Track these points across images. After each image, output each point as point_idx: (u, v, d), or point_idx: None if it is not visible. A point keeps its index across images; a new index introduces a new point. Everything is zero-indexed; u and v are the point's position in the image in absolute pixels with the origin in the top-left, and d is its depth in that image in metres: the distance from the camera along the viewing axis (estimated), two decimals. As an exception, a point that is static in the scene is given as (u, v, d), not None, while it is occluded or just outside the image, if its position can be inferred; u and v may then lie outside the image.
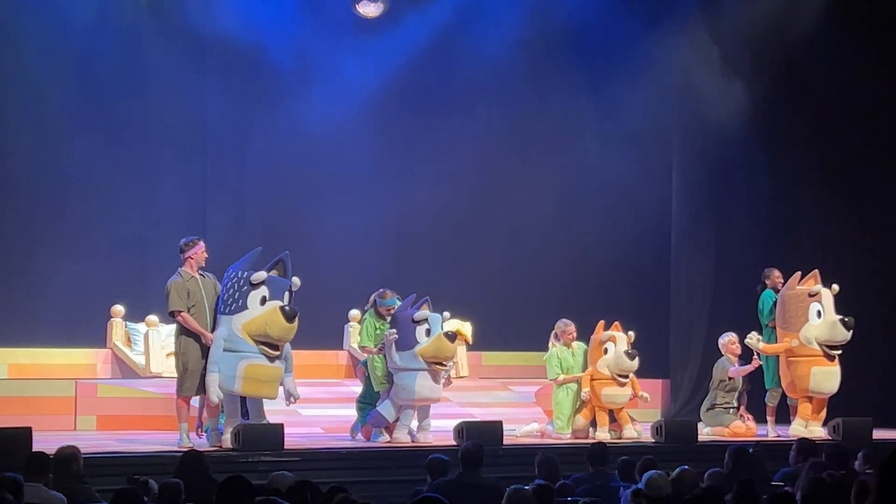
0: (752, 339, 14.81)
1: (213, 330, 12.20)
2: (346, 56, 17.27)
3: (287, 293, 12.25)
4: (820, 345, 14.72)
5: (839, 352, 14.81)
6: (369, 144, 17.65)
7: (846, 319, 14.67)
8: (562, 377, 14.29)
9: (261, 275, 12.12)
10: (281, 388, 12.46)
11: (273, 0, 16.96)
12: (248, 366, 12.08)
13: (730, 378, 14.93)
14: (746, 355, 14.98)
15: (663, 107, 17.97)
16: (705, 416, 15.06)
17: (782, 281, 15.12)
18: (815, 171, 17.34)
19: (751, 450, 10.27)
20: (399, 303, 13.42)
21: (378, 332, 13.36)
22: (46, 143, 15.99)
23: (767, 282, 15.26)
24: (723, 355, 15.10)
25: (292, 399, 12.52)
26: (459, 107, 17.86)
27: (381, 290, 13.60)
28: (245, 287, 12.13)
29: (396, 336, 13.09)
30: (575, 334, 14.42)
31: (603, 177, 17.99)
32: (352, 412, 13.88)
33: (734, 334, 15.11)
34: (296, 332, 12.30)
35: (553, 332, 14.46)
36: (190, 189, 16.84)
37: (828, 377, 14.76)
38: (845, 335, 14.71)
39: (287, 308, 12.09)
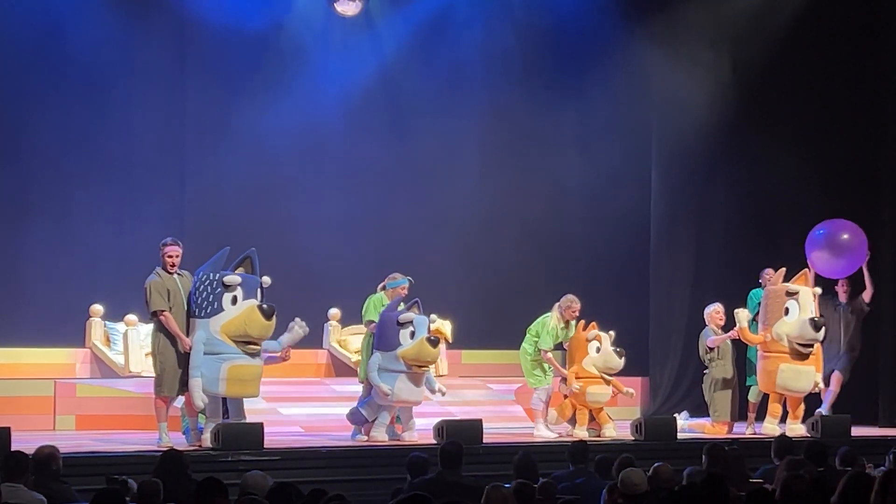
0: (741, 315, 14.75)
1: (187, 331, 12.21)
2: (326, 54, 17.27)
3: (259, 290, 12.27)
4: (790, 342, 14.71)
5: (811, 350, 14.76)
6: (349, 143, 17.63)
7: (816, 319, 14.64)
8: (550, 354, 14.29)
9: (235, 278, 12.13)
10: (284, 338, 12.59)
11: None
12: (231, 367, 12.12)
13: (710, 348, 14.91)
14: (730, 326, 14.99)
15: (642, 105, 17.99)
16: (709, 394, 14.95)
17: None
18: (795, 168, 17.36)
19: (726, 447, 10.29)
20: (407, 283, 13.57)
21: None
22: (23, 141, 15.92)
23: (761, 280, 15.29)
24: (707, 326, 15.08)
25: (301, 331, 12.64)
26: (438, 105, 17.83)
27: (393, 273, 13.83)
28: (219, 289, 12.14)
29: None
30: (578, 313, 14.41)
31: (582, 175, 17.99)
32: (332, 410, 13.90)
33: (720, 304, 15.09)
34: (275, 330, 12.36)
35: (558, 303, 14.44)
36: (168, 187, 16.78)
37: (797, 375, 14.68)
38: (814, 335, 14.64)
39: (265, 306, 12.12)
